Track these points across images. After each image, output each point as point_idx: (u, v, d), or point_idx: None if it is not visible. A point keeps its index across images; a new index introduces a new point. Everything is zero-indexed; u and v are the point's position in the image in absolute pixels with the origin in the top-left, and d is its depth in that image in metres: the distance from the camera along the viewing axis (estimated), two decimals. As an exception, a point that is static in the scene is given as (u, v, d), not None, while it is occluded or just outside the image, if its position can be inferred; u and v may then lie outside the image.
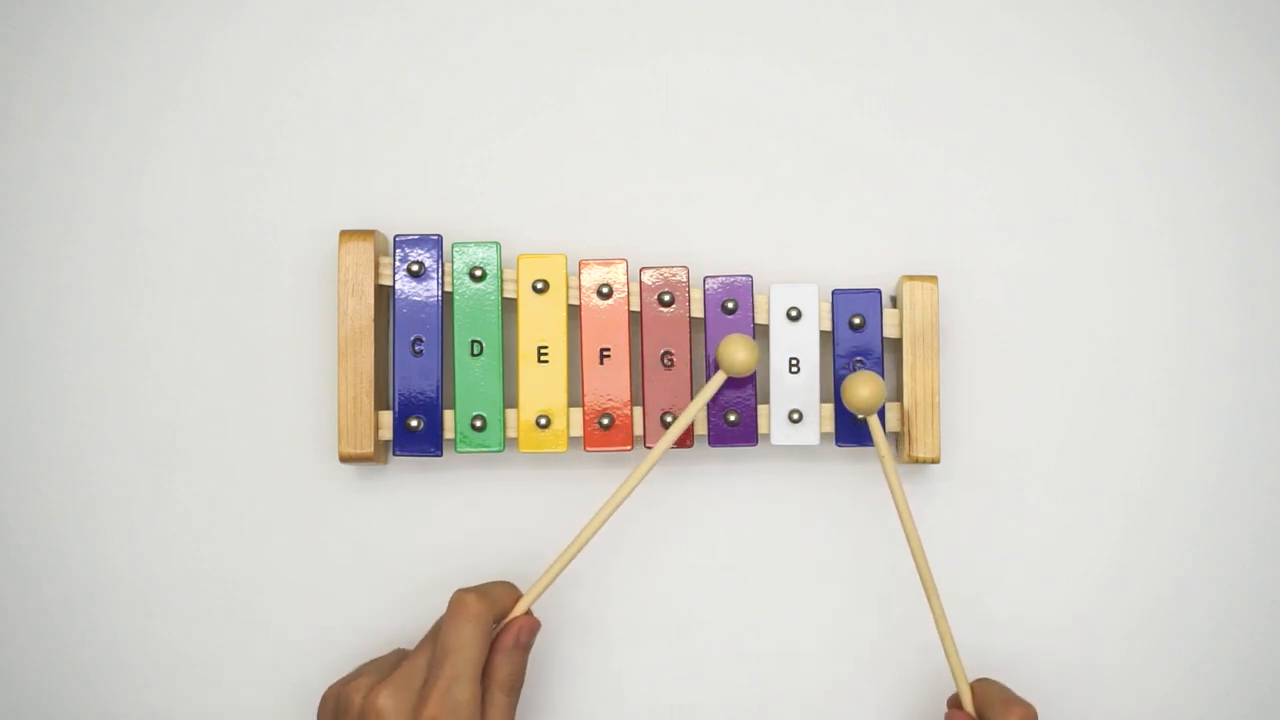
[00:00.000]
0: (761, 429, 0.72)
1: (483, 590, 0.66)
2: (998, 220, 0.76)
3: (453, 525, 0.74)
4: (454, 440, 0.71)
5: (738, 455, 0.74)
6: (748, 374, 0.69)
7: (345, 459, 0.71)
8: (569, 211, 0.75)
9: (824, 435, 0.72)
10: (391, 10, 0.76)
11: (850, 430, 0.72)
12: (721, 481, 0.74)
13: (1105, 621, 0.74)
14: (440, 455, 0.71)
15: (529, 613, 0.67)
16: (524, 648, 0.67)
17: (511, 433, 0.71)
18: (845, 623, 0.74)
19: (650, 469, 0.67)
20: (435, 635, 0.65)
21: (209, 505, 0.74)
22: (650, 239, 0.75)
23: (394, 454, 0.71)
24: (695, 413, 0.68)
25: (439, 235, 0.71)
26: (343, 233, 0.71)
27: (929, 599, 0.67)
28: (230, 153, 0.75)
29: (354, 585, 0.73)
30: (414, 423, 0.71)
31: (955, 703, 0.69)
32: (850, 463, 0.74)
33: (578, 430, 0.71)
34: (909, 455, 0.71)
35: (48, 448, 0.74)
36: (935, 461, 0.71)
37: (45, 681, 0.73)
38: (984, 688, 0.68)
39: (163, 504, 0.74)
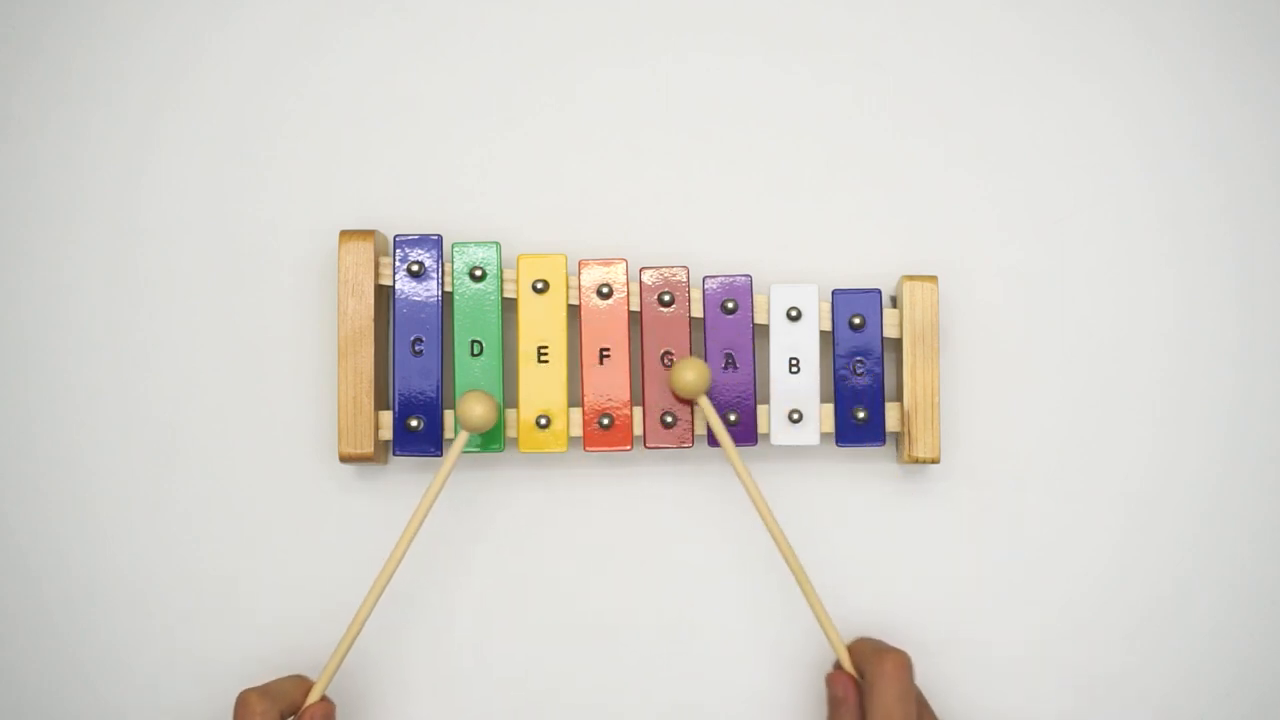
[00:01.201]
0: (761, 429, 0.72)
1: (265, 688, 0.66)
2: (998, 220, 0.76)
3: (453, 525, 0.74)
4: (454, 440, 0.71)
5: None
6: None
7: (345, 459, 0.71)
8: (569, 211, 0.75)
9: (824, 435, 0.72)
10: (391, 10, 0.76)
11: (850, 430, 0.72)
12: (721, 482, 0.74)
13: (1105, 621, 0.74)
14: (440, 455, 0.71)
15: (324, 699, 0.68)
16: None
17: (511, 433, 0.71)
18: (847, 620, 0.74)
19: (429, 508, 0.67)
20: None
21: (209, 505, 0.74)
22: (650, 239, 0.75)
23: (394, 454, 0.71)
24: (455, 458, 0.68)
25: (439, 235, 0.71)
26: (343, 233, 0.71)
27: (790, 566, 0.68)
28: (230, 153, 0.75)
29: (354, 585, 0.73)
30: (414, 423, 0.71)
31: (837, 667, 0.69)
32: (850, 463, 0.74)
33: (578, 430, 0.71)
34: (909, 455, 0.71)
35: (48, 448, 0.74)
36: (935, 461, 0.71)
37: (45, 681, 0.73)
38: (859, 645, 0.69)
39: (163, 504, 0.74)
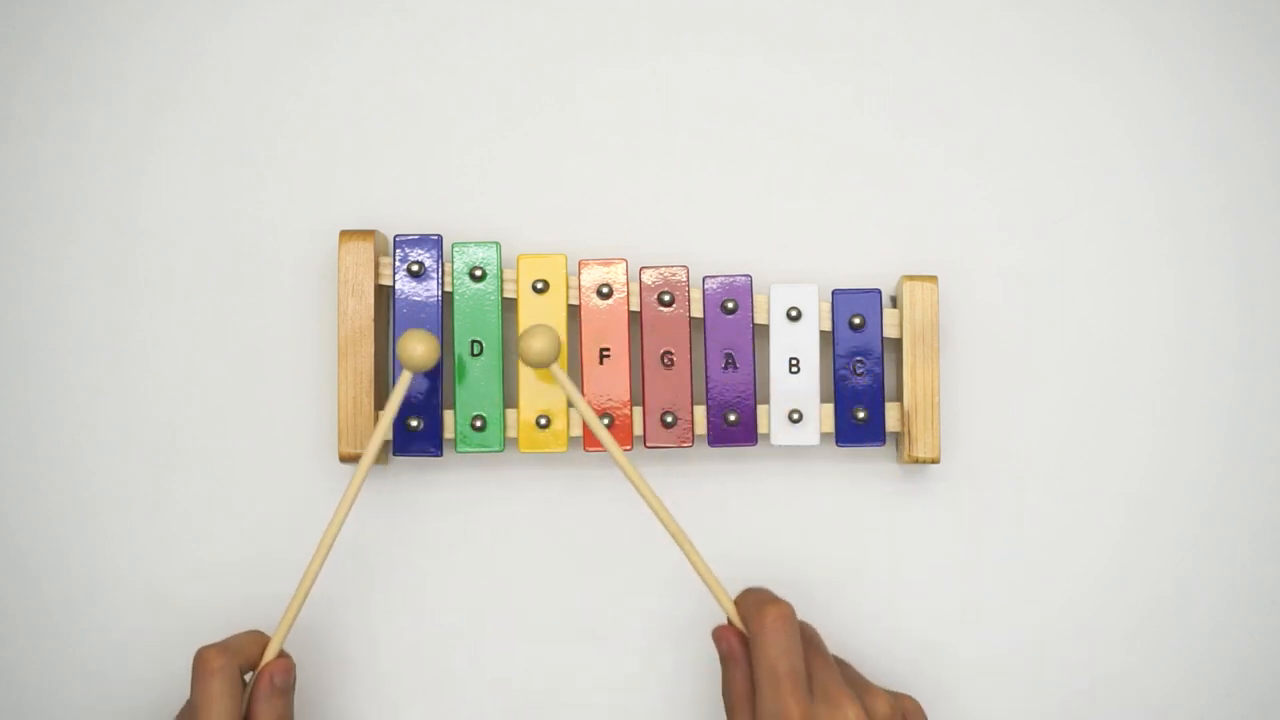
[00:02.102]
0: (761, 429, 0.72)
1: (224, 644, 0.65)
2: (998, 220, 0.76)
3: (453, 525, 0.74)
4: (454, 440, 0.71)
5: (738, 455, 0.74)
6: (427, 369, 0.66)
7: (345, 459, 0.71)
8: (569, 211, 0.75)
9: (824, 435, 0.72)
10: (391, 10, 0.76)
11: (850, 430, 0.72)
12: (721, 482, 0.74)
13: (1105, 621, 0.74)
14: (440, 455, 0.71)
15: (282, 654, 0.66)
16: (281, 691, 0.66)
17: (511, 433, 0.71)
18: (847, 623, 0.74)
19: (359, 487, 0.65)
20: (187, 702, 0.65)
21: (209, 505, 0.74)
22: (650, 239, 0.75)
23: (394, 454, 0.71)
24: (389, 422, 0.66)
25: (439, 235, 0.71)
26: (343, 233, 0.71)
27: (664, 523, 0.66)
28: (230, 153, 0.75)
29: (353, 585, 0.73)
30: (414, 423, 0.71)
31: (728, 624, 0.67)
32: (850, 463, 0.74)
33: (578, 430, 0.71)
34: (909, 455, 0.71)
35: (48, 448, 0.74)
36: (935, 461, 0.71)
37: (45, 681, 0.73)
38: (743, 598, 0.66)
39: (163, 504, 0.74)
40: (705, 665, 0.74)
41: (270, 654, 0.66)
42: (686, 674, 0.74)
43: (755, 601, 0.65)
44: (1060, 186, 0.76)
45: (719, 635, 0.66)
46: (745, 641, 0.66)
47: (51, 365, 0.74)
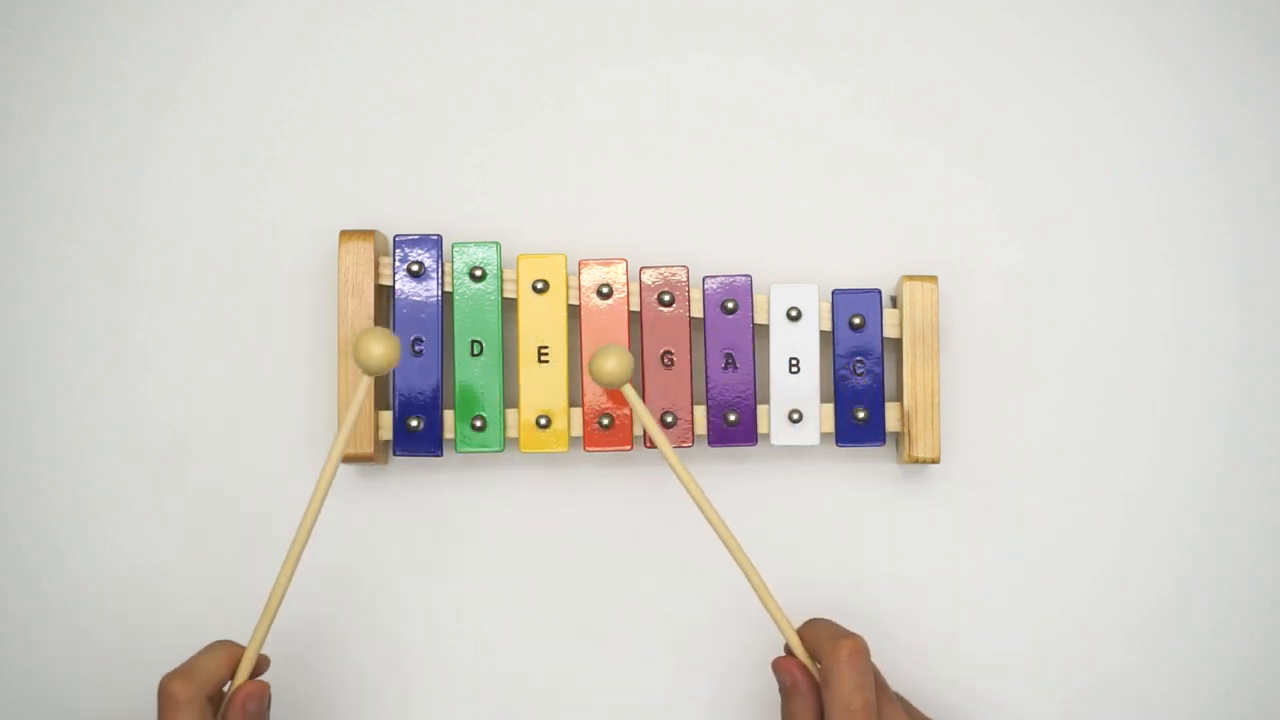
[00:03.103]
0: (761, 429, 0.72)
1: (188, 671, 0.61)
2: (998, 220, 0.76)
3: (453, 525, 0.74)
4: (454, 440, 0.71)
5: (738, 455, 0.74)
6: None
7: (345, 459, 0.71)
8: (569, 211, 0.75)
9: (824, 435, 0.72)
10: (391, 10, 0.76)
11: (850, 430, 0.72)
12: (721, 481, 0.74)
13: (1105, 621, 0.74)
14: (440, 455, 0.71)
15: (257, 670, 0.64)
16: (253, 717, 0.62)
17: (511, 433, 0.71)
18: (847, 621, 0.74)
19: (326, 489, 0.62)
20: None
21: (209, 505, 0.74)
22: (650, 239, 0.75)
23: (394, 454, 0.71)
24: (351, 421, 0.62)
25: (439, 235, 0.71)
26: (343, 233, 0.71)
27: (733, 554, 0.64)
28: (230, 153, 0.75)
29: (353, 585, 0.73)
30: (414, 423, 0.71)
31: (788, 652, 0.66)
32: (850, 463, 0.74)
33: (578, 430, 0.71)
34: (909, 455, 0.71)
35: (48, 448, 0.74)
36: (935, 461, 0.71)
37: (45, 681, 0.73)
38: (813, 628, 0.65)
39: (163, 504, 0.74)
40: (705, 665, 0.74)
41: (243, 674, 0.63)
42: (686, 674, 0.74)
43: (829, 635, 0.64)
44: (1060, 186, 0.76)
45: (782, 667, 0.65)
46: (807, 673, 0.65)
47: (51, 365, 0.74)
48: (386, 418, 0.71)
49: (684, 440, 0.71)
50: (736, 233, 0.75)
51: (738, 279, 0.72)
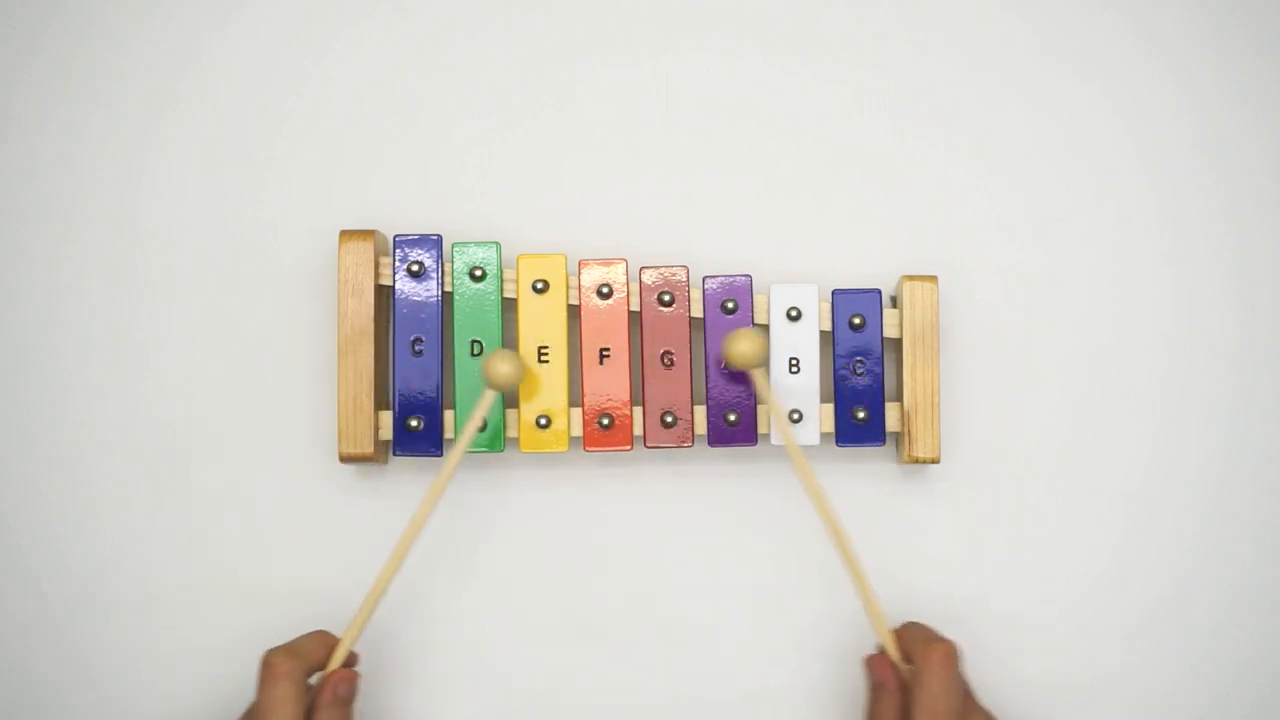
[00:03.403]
0: (761, 429, 0.72)
1: (291, 647, 0.65)
2: (998, 220, 0.76)
3: (453, 525, 0.74)
4: (454, 440, 0.71)
5: (738, 455, 0.74)
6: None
7: (345, 459, 0.71)
8: (569, 211, 0.75)
9: (824, 435, 0.72)
10: (391, 10, 0.76)
11: (850, 430, 0.72)
12: (720, 480, 0.74)
13: (1105, 621, 0.74)
14: (440, 455, 0.71)
15: (349, 661, 0.67)
16: (343, 702, 0.66)
17: (512, 433, 0.71)
18: (848, 621, 0.74)
19: (446, 481, 0.65)
20: (252, 704, 0.65)
21: (209, 505, 0.74)
22: (650, 239, 0.75)
23: (394, 454, 0.71)
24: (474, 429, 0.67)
25: (439, 235, 0.71)
26: (343, 233, 0.71)
27: (841, 552, 0.66)
28: (230, 153, 0.75)
29: (354, 585, 0.73)
30: (414, 423, 0.71)
31: (880, 650, 0.68)
32: (850, 463, 0.74)
33: (578, 430, 0.71)
34: (909, 455, 0.71)
35: (48, 448, 0.74)
36: (935, 461, 0.71)
37: (46, 681, 0.73)
38: (907, 630, 0.68)
39: (163, 504, 0.74)
40: (705, 665, 0.74)
41: (338, 659, 0.67)
42: (687, 674, 0.74)
43: (923, 637, 0.66)
44: (1060, 186, 0.76)
45: (874, 664, 0.67)
46: (897, 672, 0.66)
47: (51, 365, 0.74)
48: (386, 418, 0.71)
49: (684, 440, 0.71)
50: (736, 233, 0.75)
51: (738, 279, 0.72)
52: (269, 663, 0.64)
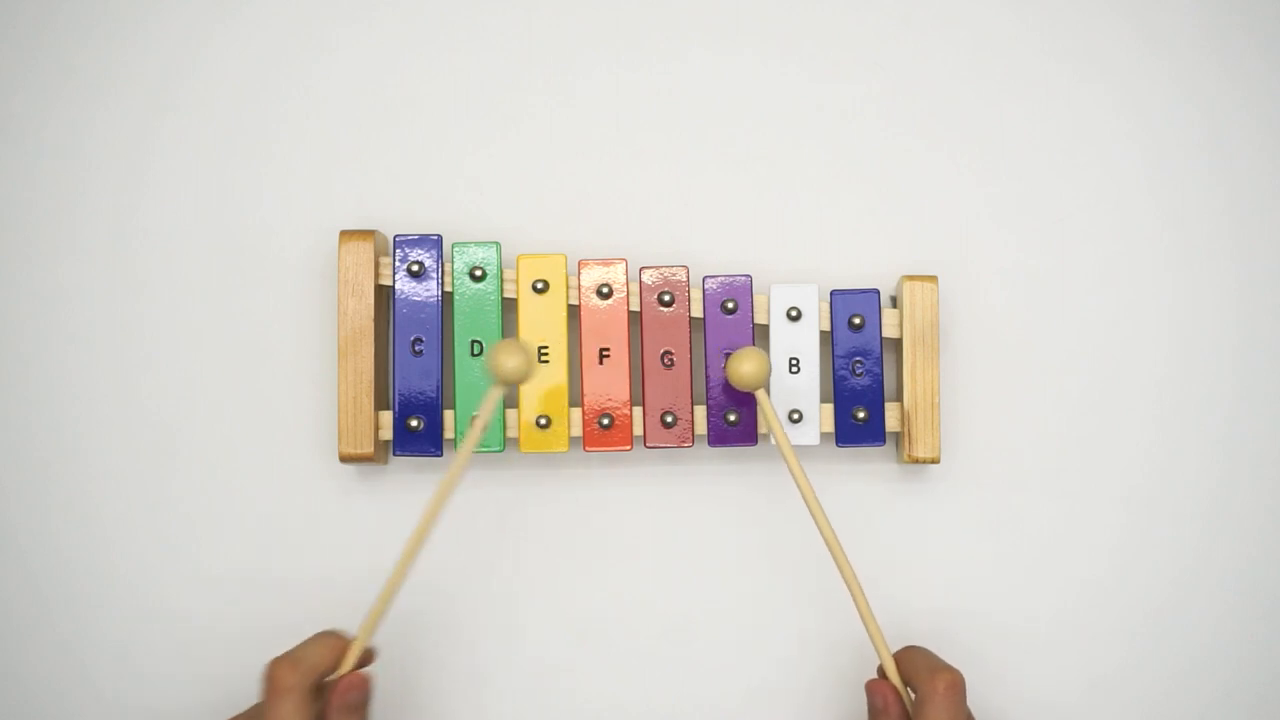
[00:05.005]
0: (761, 429, 0.72)
1: (295, 656, 0.62)
2: (998, 220, 0.76)
3: (453, 525, 0.74)
4: (454, 440, 0.71)
5: (738, 455, 0.74)
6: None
7: (345, 459, 0.71)
8: (569, 211, 0.75)
9: (824, 435, 0.72)
10: (391, 10, 0.76)
11: (850, 430, 0.72)
12: (720, 481, 0.74)
13: (1105, 622, 0.74)
14: (440, 455, 0.71)
15: (361, 664, 0.64)
16: (354, 708, 0.63)
17: (512, 433, 0.71)
18: (847, 621, 0.74)
19: (456, 480, 0.64)
20: (254, 708, 0.63)
21: (209, 505, 0.74)
22: (650, 239, 0.75)
23: (394, 454, 0.71)
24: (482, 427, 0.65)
25: (439, 235, 0.71)
26: (343, 233, 0.71)
27: (840, 568, 0.66)
28: (230, 153, 0.75)
29: (354, 585, 0.73)
30: (414, 423, 0.71)
31: (881, 673, 0.67)
32: (850, 463, 0.74)
33: (578, 430, 0.71)
34: (909, 455, 0.71)
35: (48, 448, 0.74)
36: (935, 461, 0.71)
37: (46, 681, 0.73)
38: (910, 655, 0.66)
39: (163, 504, 0.74)
40: (704, 664, 0.74)
41: (347, 665, 0.64)
42: (686, 673, 0.74)
43: (928, 666, 0.65)
44: (1060, 186, 0.76)
45: (875, 689, 0.66)
46: (899, 698, 0.65)
47: (51, 365, 0.74)
48: (386, 418, 0.71)
49: (684, 440, 0.71)
50: (736, 233, 0.75)
51: (738, 279, 0.72)
52: (271, 676, 0.61)
